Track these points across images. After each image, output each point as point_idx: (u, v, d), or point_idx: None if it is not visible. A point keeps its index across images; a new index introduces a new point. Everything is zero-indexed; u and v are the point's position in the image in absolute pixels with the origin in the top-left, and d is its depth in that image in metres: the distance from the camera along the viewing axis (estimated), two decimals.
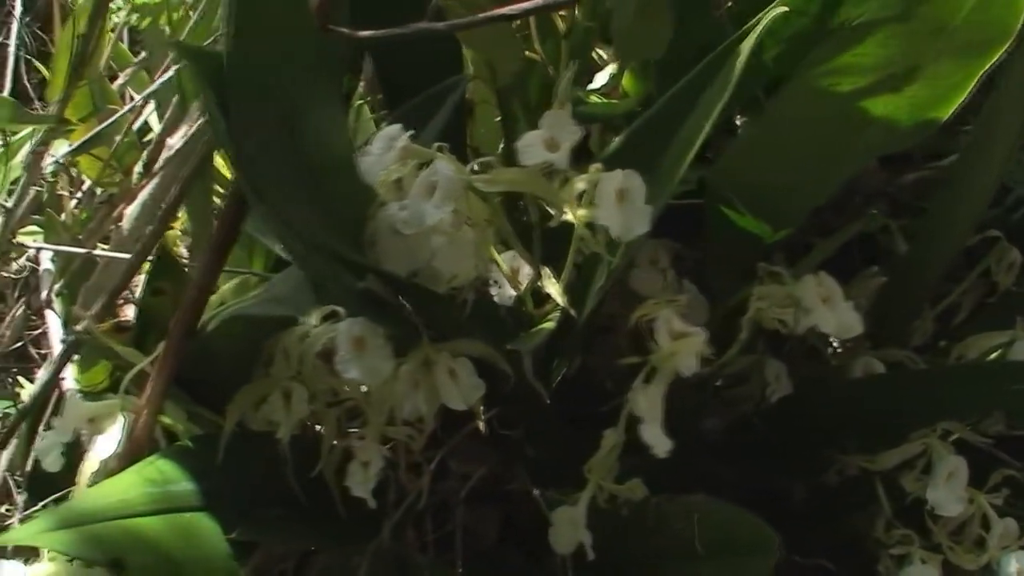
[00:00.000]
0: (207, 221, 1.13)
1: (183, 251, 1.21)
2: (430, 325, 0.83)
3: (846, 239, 0.95)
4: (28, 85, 1.58)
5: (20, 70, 1.52)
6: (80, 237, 1.12)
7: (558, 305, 0.88)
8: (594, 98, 1.14)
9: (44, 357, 1.53)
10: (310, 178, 0.73)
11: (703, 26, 0.94)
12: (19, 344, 1.41)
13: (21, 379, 1.43)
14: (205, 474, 0.79)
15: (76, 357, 0.99)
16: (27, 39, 1.46)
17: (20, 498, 1.14)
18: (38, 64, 1.44)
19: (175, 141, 1.04)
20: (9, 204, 0.96)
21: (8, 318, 1.26)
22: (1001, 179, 0.95)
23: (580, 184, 0.78)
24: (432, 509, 0.97)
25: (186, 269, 0.88)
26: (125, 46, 1.49)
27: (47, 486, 1.18)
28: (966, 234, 0.94)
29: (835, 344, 1.09)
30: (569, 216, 0.78)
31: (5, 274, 1.12)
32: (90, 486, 0.75)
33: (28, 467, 1.12)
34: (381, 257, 0.79)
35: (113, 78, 1.38)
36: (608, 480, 0.84)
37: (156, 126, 1.31)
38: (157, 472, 0.76)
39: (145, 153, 1.13)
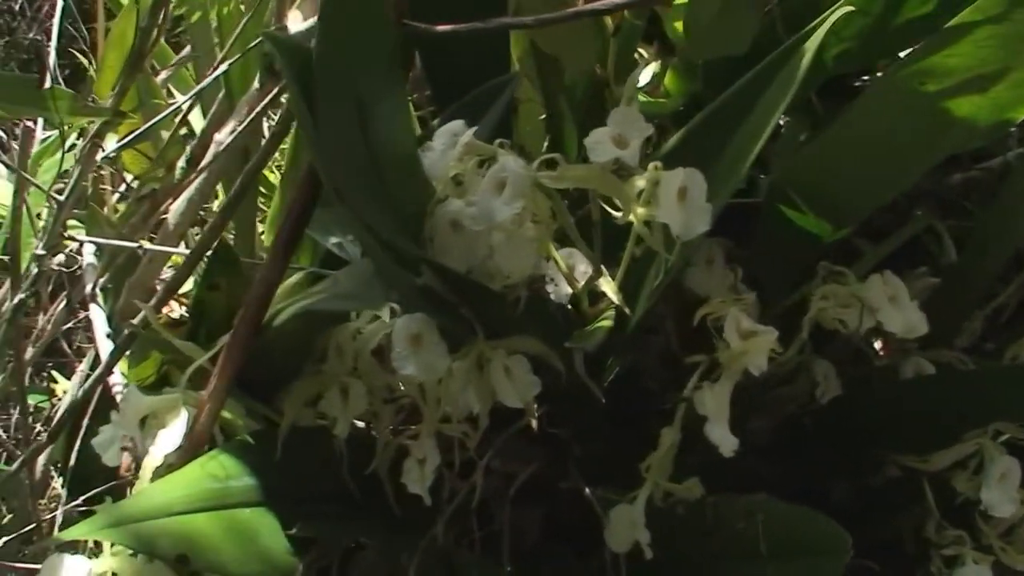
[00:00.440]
0: (251, 219, 1.14)
1: None
2: (484, 322, 0.83)
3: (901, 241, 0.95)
4: (60, 78, 1.59)
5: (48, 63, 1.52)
6: (123, 232, 1.12)
7: (612, 304, 0.88)
8: (641, 96, 1.14)
9: (78, 352, 1.54)
10: (376, 172, 0.73)
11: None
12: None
13: (56, 374, 1.43)
14: (263, 470, 0.79)
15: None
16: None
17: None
18: (80, 57, 1.44)
19: (223, 137, 1.04)
20: (60, 197, 0.95)
21: (49, 312, 1.26)
22: None
23: (640, 182, 0.78)
24: (476, 508, 0.97)
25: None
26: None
27: (83, 481, 1.19)
28: (1020, 239, 0.94)
29: (876, 346, 1.09)
30: (623, 214, 0.78)
31: (55, 267, 1.11)
32: (152, 480, 0.74)
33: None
34: (439, 253, 0.79)
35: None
36: (663, 479, 0.84)
37: (195, 122, 1.31)
38: (219, 467, 0.76)
39: (188, 149, 1.13)
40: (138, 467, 1.31)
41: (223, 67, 1.02)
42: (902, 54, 0.99)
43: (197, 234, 1.25)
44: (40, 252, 0.98)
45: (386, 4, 0.65)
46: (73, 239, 1.09)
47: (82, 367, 1.12)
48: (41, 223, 1.14)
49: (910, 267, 1.06)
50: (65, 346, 1.50)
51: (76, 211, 1.20)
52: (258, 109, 0.99)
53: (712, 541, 0.82)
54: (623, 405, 0.97)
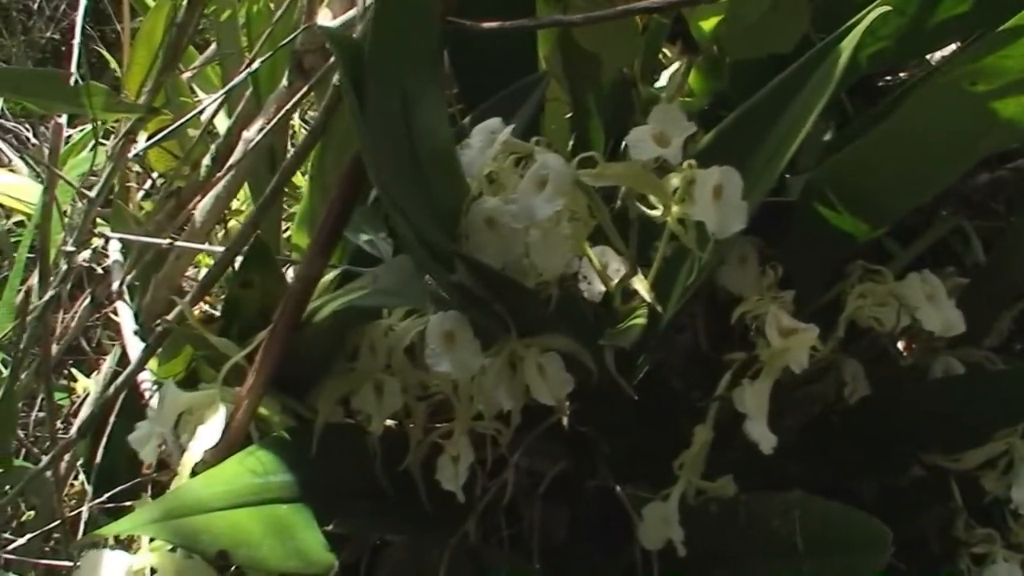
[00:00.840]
0: (276, 219, 1.14)
1: None
2: (516, 320, 0.83)
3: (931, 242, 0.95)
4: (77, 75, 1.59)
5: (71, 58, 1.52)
6: (148, 229, 1.12)
7: (643, 302, 0.88)
8: (663, 96, 1.14)
9: (96, 350, 1.54)
10: (416, 169, 0.73)
11: None
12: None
13: (75, 372, 1.43)
14: (300, 466, 0.79)
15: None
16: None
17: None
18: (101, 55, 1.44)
19: (251, 135, 1.04)
20: (91, 194, 0.96)
21: (73, 310, 1.26)
22: None
23: (675, 180, 0.78)
24: (504, 506, 0.97)
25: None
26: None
27: (108, 479, 1.19)
28: None
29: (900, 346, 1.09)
30: (661, 212, 0.79)
31: (84, 263, 1.12)
32: (192, 476, 0.74)
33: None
34: (474, 251, 0.80)
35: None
36: (696, 477, 0.84)
37: (216, 121, 1.31)
38: (257, 463, 0.76)
39: (213, 147, 1.13)
40: (160, 465, 1.32)
41: (255, 64, 1.02)
42: (939, 54, 1.00)
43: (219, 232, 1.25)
44: (70, 249, 0.98)
45: (434, 1, 0.66)
46: (104, 235, 1.09)
47: (107, 365, 1.12)
48: (66, 220, 1.14)
49: (936, 267, 1.07)
50: (84, 344, 1.50)
51: (100, 209, 1.20)
52: (287, 107, 1.00)
53: (745, 538, 0.82)
54: (649, 403, 0.97)
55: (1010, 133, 0.74)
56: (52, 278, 0.99)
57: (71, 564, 1.13)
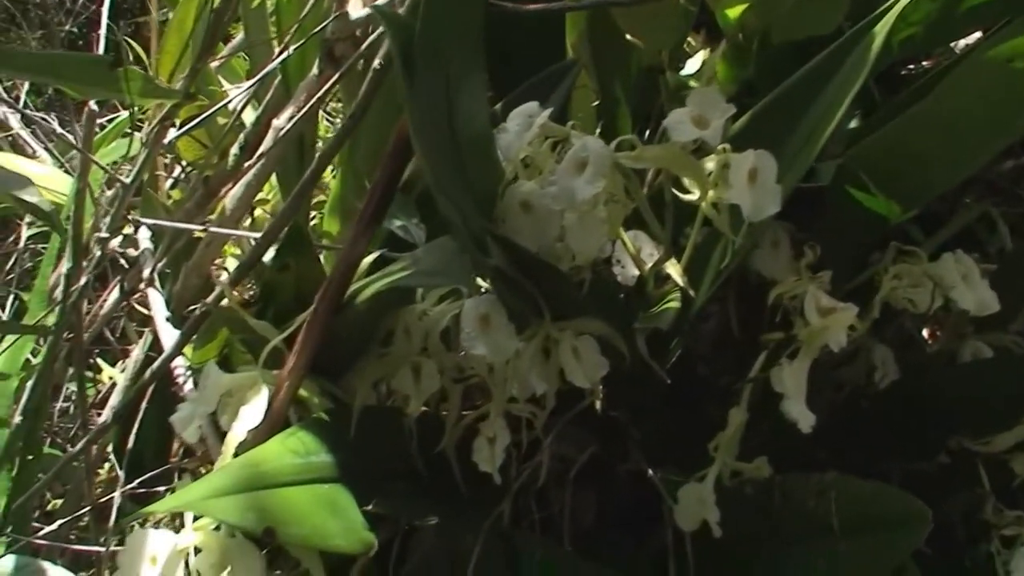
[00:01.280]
0: (305, 207, 1.15)
1: None
2: (550, 303, 0.84)
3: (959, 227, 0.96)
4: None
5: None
6: (177, 217, 1.13)
7: (676, 286, 0.89)
8: (692, 83, 1.15)
9: (121, 340, 1.55)
10: (456, 152, 0.73)
11: None
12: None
13: (100, 362, 1.44)
14: (339, 447, 0.80)
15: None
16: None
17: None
18: (132, 44, 1.45)
19: (281, 123, 1.05)
20: (126, 180, 0.96)
21: (102, 298, 1.27)
22: None
23: (709, 164, 0.79)
24: (534, 491, 0.98)
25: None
26: None
27: (137, 465, 1.20)
28: None
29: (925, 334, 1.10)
30: (698, 195, 0.79)
31: (118, 249, 1.12)
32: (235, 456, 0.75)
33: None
34: (510, 235, 0.80)
35: None
36: (731, 458, 0.85)
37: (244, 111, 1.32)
38: (299, 444, 0.77)
39: (242, 136, 1.14)
40: (187, 452, 1.32)
41: (288, 52, 1.03)
42: (963, 43, 1.01)
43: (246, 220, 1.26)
44: (103, 235, 0.99)
45: None
46: (138, 221, 1.10)
47: (137, 352, 1.13)
48: (95, 209, 1.15)
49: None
50: (108, 334, 1.51)
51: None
52: (318, 95, 1.00)
53: (780, 519, 0.82)
54: (678, 389, 0.98)
55: None
56: (85, 264, 1.00)
57: (100, 550, 1.14)
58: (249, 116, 1.23)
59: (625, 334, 0.88)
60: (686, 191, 0.81)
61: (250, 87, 1.10)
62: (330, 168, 1.23)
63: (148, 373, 0.93)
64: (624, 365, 0.88)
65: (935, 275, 0.80)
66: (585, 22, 1.05)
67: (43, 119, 1.48)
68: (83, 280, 0.95)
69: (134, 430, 1.07)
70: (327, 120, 1.48)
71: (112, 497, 1.09)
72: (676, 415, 0.99)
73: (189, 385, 1.01)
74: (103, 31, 1.23)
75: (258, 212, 1.30)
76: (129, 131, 1.03)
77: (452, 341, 0.90)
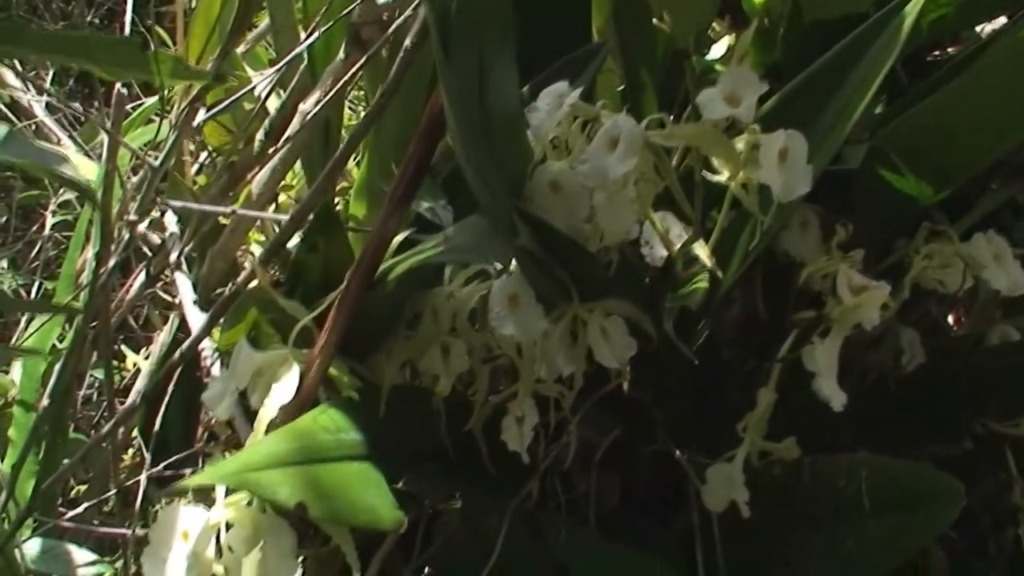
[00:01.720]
0: (331, 190, 1.15)
1: None
2: (578, 285, 0.84)
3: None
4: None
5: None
6: (202, 202, 1.13)
7: (704, 267, 0.89)
8: (718, 67, 1.15)
9: (144, 327, 1.56)
10: (487, 131, 0.74)
11: None
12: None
13: (124, 348, 1.45)
14: (369, 426, 0.81)
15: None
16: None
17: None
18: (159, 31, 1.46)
19: (307, 107, 1.05)
20: (155, 163, 0.97)
21: (128, 283, 1.27)
22: None
23: (739, 144, 0.79)
24: (561, 472, 0.98)
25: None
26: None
27: (162, 448, 1.21)
28: None
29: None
30: (728, 175, 0.79)
31: (143, 233, 1.13)
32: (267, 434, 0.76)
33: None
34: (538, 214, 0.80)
35: None
36: (759, 439, 0.85)
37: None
38: (330, 421, 0.77)
39: (267, 121, 1.14)
40: (211, 436, 1.33)
41: (315, 36, 1.03)
42: (989, 27, 1.00)
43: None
44: (132, 218, 1.00)
45: None
46: (166, 204, 1.11)
47: (163, 335, 1.14)
48: (122, 193, 1.15)
49: None
50: (132, 321, 1.52)
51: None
52: (344, 79, 1.01)
53: (809, 500, 0.82)
54: (701, 372, 0.98)
55: None
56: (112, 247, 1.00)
57: (126, 532, 1.15)
58: (274, 103, 1.24)
59: (652, 315, 0.88)
60: (715, 172, 0.81)
61: (277, 71, 1.11)
62: (352, 155, 1.24)
63: (177, 354, 0.93)
64: (651, 347, 0.88)
65: (967, 255, 0.80)
66: (611, 6, 1.05)
67: (68, 107, 1.49)
68: (112, 260, 0.96)
69: (161, 411, 1.08)
70: (349, 107, 1.48)
71: (137, 480, 1.10)
72: (700, 399, 1.00)
73: (216, 368, 1.01)
74: (128, 18, 1.24)
75: (282, 198, 1.31)
76: (157, 114, 1.03)
77: (480, 321, 0.90)
